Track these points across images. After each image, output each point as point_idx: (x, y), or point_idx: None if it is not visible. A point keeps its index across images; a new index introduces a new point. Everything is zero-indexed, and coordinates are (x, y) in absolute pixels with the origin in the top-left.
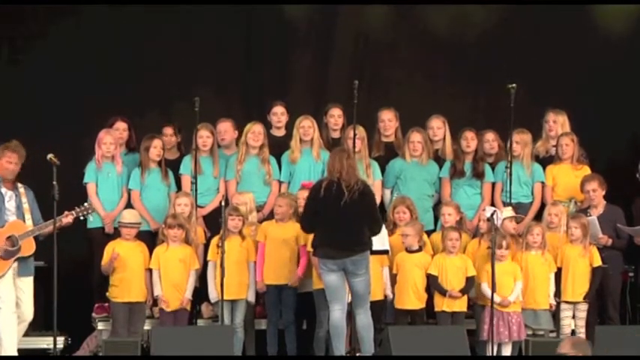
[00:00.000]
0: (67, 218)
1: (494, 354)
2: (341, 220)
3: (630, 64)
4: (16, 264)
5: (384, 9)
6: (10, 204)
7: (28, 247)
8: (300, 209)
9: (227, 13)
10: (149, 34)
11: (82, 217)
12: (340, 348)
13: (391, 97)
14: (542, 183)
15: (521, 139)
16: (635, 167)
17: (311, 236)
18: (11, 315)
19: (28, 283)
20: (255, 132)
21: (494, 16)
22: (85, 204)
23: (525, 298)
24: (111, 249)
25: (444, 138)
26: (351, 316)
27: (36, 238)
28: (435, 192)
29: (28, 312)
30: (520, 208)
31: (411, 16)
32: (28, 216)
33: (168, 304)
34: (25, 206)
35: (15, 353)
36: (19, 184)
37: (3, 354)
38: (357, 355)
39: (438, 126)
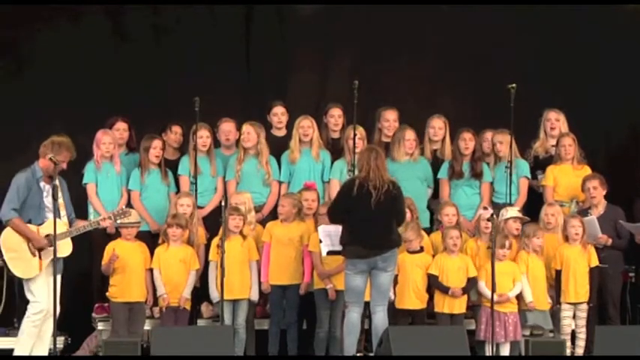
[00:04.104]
0: (105, 222)
1: (493, 354)
2: (372, 218)
3: (630, 64)
4: (51, 263)
5: (384, 9)
6: (48, 200)
7: (66, 248)
8: (305, 210)
9: (227, 12)
10: (149, 33)
11: (118, 221)
12: (352, 347)
13: (391, 97)
14: (527, 178)
15: (503, 139)
16: (637, 166)
17: (314, 236)
18: (36, 316)
19: (57, 281)
20: (244, 133)
21: (494, 16)
22: (122, 207)
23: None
24: (111, 249)
25: (444, 138)
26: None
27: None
28: (427, 187)
29: (52, 305)
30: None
31: (411, 16)
32: (63, 212)
33: (169, 303)
34: (61, 201)
35: (27, 352)
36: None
37: (17, 353)
38: (358, 354)
39: (439, 126)
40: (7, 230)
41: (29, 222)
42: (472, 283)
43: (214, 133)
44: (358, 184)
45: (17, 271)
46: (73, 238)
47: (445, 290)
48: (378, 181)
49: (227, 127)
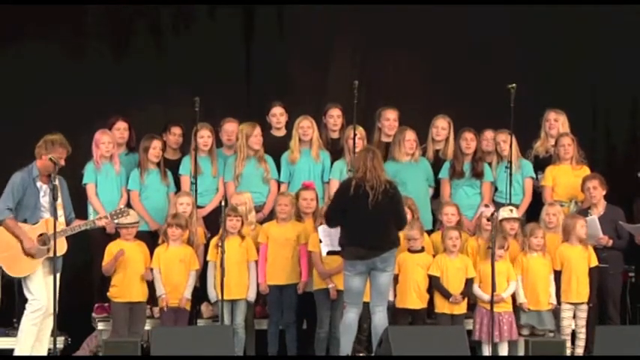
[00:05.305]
0: (101, 222)
1: (491, 354)
2: (370, 219)
3: (630, 64)
4: (48, 262)
5: (384, 9)
6: (45, 199)
7: (60, 247)
8: (304, 209)
9: (227, 12)
10: (149, 33)
11: (116, 220)
12: (348, 346)
13: (391, 97)
14: (532, 178)
15: (507, 138)
16: (637, 165)
17: (314, 236)
18: (34, 314)
19: (56, 280)
20: (258, 135)
21: (494, 16)
22: (121, 207)
23: (528, 299)
24: (112, 250)
25: (447, 138)
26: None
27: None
28: (429, 186)
29: (51, 304)
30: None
31: (411, 16)
32: (60, 212)
33: (168, 303)
34: (59, 201)
35: (27, 351)
36: (54, 177)
37: (17, 353)
38: (358, 354)
39: (443, 126)
40: (0, 229)
41: (24, 221)
42: (470, 284)
43: (216, 132)
44: (355, 185)
45: (11, 270)
46: (72, 238)
47: (447, 296)
48: (375, 181)
49: (231, 128)
